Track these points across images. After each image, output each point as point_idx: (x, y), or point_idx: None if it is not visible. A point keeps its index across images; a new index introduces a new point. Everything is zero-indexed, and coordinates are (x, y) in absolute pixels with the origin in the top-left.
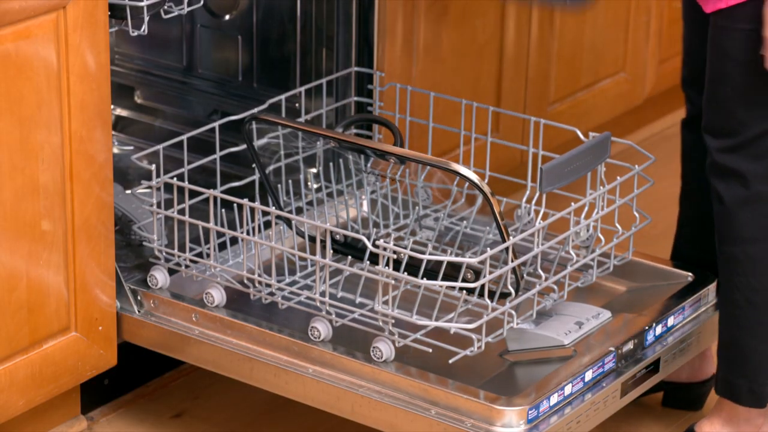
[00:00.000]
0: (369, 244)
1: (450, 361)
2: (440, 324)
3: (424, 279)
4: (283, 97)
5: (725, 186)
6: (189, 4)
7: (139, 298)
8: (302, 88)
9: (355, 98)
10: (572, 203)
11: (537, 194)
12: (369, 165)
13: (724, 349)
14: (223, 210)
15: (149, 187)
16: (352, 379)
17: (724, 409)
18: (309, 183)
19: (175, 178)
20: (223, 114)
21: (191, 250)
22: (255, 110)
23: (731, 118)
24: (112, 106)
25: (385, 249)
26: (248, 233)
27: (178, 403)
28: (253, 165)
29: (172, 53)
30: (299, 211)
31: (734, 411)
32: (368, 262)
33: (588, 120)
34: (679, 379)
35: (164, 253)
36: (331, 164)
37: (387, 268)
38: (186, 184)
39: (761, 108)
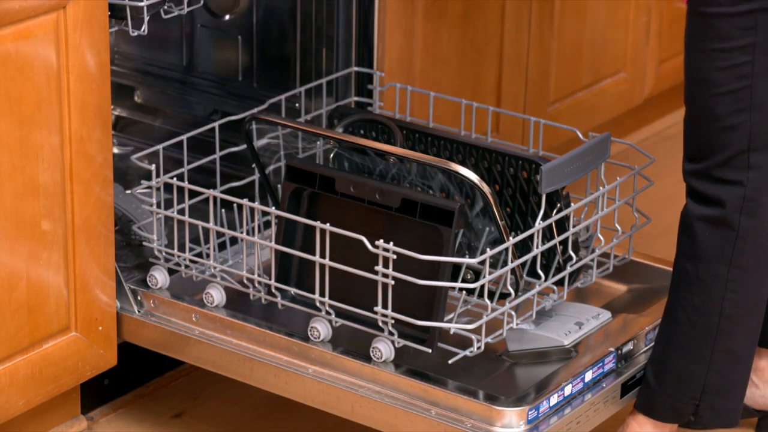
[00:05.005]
0: (368, 244)
1: (450, 362)
2: (440, 324)
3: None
4: (283, 97)
5: (698, 206)
6: (189, 4)
7: (139, 298)
8: (302, 88)
9: (355, 98)
10: (572, 204)
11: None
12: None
13: (652, 364)
14: (223, 210)
15: (149, 187)
16: (352, 380)
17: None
18: None
19: (175, 178)
20: (223, 114)
21: (191, 250)
22: (255, 110)
23: (700, 142)
24: (112, 106)
25: (385, 249)
26: (248, 233)
27: (178, 403)
28: (253, 165)
29: (172, 53)
30: None
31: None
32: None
33: (588, 120)
34: None
35: (164, 253)
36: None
37: (386, 268)
38: (186, 184)
39: (728, 132)
